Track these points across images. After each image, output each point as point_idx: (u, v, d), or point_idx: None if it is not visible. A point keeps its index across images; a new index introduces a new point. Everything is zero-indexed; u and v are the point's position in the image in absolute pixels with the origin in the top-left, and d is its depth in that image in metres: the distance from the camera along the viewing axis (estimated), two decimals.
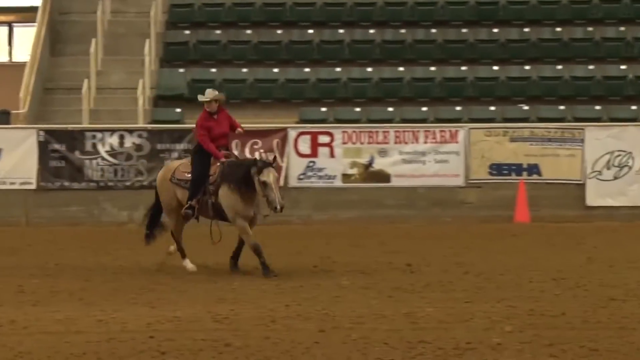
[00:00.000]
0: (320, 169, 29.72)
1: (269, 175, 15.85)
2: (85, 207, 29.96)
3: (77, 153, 30.06)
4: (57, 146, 29.83)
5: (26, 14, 40.43)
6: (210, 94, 16.43)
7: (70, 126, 30.85)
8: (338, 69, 34.24)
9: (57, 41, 34.51)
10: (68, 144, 29.86)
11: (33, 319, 15.10)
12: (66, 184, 29.89)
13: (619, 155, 29.28)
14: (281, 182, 28.76)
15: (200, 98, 15.67)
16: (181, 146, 30.14)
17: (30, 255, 23.93)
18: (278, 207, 15.76)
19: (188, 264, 17.40)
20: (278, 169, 18.45)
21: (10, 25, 45.54)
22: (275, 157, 17.59)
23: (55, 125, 31.34)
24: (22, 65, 35.15)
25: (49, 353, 12.53)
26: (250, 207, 16.34)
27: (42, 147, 29.72)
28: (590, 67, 33.56)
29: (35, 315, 15.58)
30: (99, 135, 30.14)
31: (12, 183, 29.79)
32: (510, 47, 34.71)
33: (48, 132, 30.09)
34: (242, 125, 20.33)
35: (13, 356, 12.38)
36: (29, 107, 32.14)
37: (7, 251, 24.52)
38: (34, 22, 34.97)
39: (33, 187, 29.60)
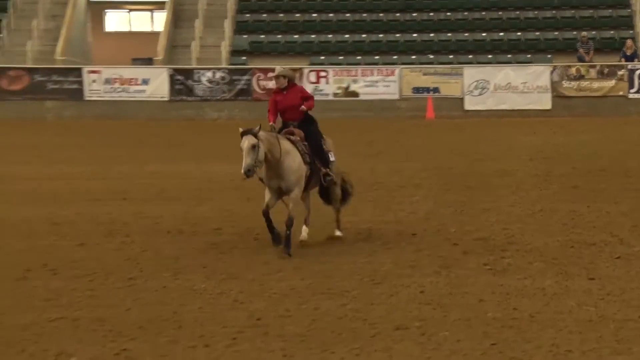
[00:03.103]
0: (321, 90, 35.59)
1: (243, 143, 11.57)
2: (194, 111, 35.56)
3: (189, 81, 35.87)
4: (179, 77, 35.95)
5: (159, 4, 43.10)
6: (277, 70, 12.61)
7: (185, 67, 36.77)
8: (330, 36, 39.09)
9: (177, 19, 39.60)
10: (185, 76, 35.88)
11: None
12: (183, 97, 35.87)
13: (481, 82, 35.52)
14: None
15: (270, 74, 12.94)
16: (245, 77, 36.03)
17: (172, 134, 30.77)
18: (242, 171, 11.55)
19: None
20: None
21: (151, 11, 47.27)
22: (260, 126, 11.74)
23: (178, 65, 37.01)
24: (157, 33, 40.45)
25: None
26: (271, 178, 12.03)
27: (171, 78, 35.93)
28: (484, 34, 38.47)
29: None
30: (201, 71, 35.93)
31: (155, 97, 36.08)
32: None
33: (174, 69, 36.24)
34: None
35: None
36: (163, 56, 37.82)
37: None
38: (164, 9, 40.69)
39: (167, 99, 35.83)
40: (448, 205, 15.85)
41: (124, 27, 48.86)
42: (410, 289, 10.48)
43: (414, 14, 39.51)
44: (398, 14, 39.51)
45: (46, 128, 32.25)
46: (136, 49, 42.20)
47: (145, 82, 36.11)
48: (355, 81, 36.53)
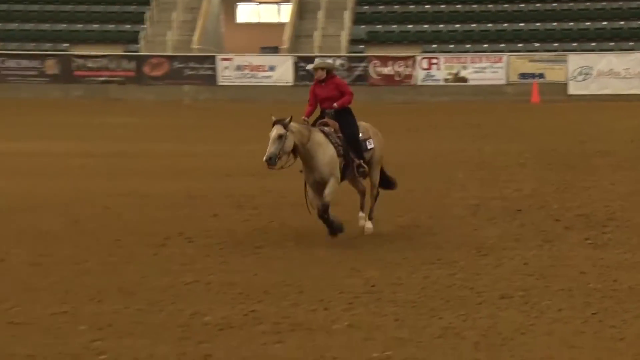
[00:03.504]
0: (432, 76, 36.60)
1: (271, 132, 10.64)
2: None
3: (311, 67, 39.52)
4: (302, 64, 36.12)
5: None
6: (316, 63, 11.55)
7: (308, 54, 36.53)
8: (441, 26, 39.10)
9: (302, 11, 40.37)
10: (307, 63, 32.98)
11: None
12: (306, 82, 30.64)
13: (585, 68, 35.48)
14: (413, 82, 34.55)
15: (308, 67, 11.54)
16: (362, 64, 36.61)
17: (296, 116, 32.17)
18: (263, 159, 10.56)
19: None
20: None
21: (278, 4, 48.11)
22: (291, 117, 10.76)
23: (301, 53, 37.51)
24: (283, 24, 41.11)
25: None
26: (308, 172, 10.99)
27: (295, 65, 36.80)
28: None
29: None
30: (323, 58, 38.49)
31: (280, 82, 36.81)
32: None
33: (298, 57, 37.03)
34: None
35: None
36: (288, 45, 38.55)
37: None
38: (290, 2, 41.47)
39: (291, 84, 36.47)
40: (551, 183, 15.60)
41: (253, 19, 49.56)
42: (514, 261, 10.34)
43: (521, 5, 39.29)
44: (506, 5, 39.40)
45: (183, 110, 32.75)
46: (264, 39, 42.91)
47: (271, 68, 36.98)
48: (464, 67, 36.62)
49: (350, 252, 10.89)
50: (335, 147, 11.00)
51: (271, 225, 12.50)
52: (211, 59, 37.17)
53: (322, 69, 11.32)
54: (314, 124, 11.28)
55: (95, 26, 39.66)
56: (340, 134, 11.11)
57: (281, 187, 15.30)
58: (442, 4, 39.77)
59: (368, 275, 9.76)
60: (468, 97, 34.87)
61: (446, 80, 36.17)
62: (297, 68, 36.42)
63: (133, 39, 38.93)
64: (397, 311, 8.48)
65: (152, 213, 13.34)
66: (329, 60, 11.31)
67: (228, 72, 36.88)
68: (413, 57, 36.38)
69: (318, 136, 10.96)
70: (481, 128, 25.21)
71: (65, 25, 39.69)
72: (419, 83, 36.30)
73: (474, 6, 39.43)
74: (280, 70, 36.86)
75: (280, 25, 41.71)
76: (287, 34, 38.87)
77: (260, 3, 49.88)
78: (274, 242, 11.38)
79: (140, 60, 37.47)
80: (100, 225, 12.46)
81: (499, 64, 36.06)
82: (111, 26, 39.81)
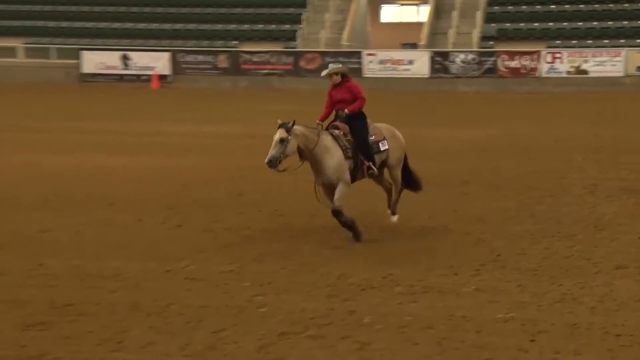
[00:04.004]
0: (555, 69, 35.68)
1: (275, 135, 9.58)
2: (449, 86, 35.04)
3: (446, 62, 36.35)
4: (437, 58, 36.27)
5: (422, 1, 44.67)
6: (330, 68, 10.43)
7: (443, 50, 37.24)
8: (565, 24, 37.67)
9: (438, 12, 40.11)
10: (442, 57, 36.51)
11: None
12: (441, 75, 36.18)
13: None
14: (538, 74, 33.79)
15: (323, 73, 10.12)
16: (491, 58, 35.66)
17: (431, 104, 31.01)
18: (265, 161, 9.47)
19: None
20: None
21: (418, 5, 48.26)
22: (294, 121, 9.75)
23: (437, 49, 37.48)
24: (421, 23, 40.66)
25: None
26: (316, 175, 9.96)
27: (431, 59, 36.43)
28: None
29: None
30: (456, 53, 36.45)
31: (418, 74, 36.45)
32: None
33: (434, 52, 36.82)
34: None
35: None
36: (425, 42, 38.18)
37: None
38: (428, 3, 41.23)
39: (427, 76, 36.48)
40: None
41: (395, 19, 49.29)
42: (629, 235, 10.02)
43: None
44: (626, 4, 37.96)
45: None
46: (405, 36, 43.01)
47: (410, 62, 36.76)
48: (585, 61, 35.56)
49: (478, 225, 10.72)
50: (343, 151, 9.94)
51: (405, 199, 12.44)
52: (358, 54, 37.13)
53: (337, 74, 10.35)
54: (327, 128, 10.22)
55: (260, 26, 40.26)
56: (349, 137, 10.08)
57: (414, 166, 15.35)
58: (566, 4, 38.91)
59: (494, 246, 9.63)
60: (588, 87, 34.09)
61: (568, 72, 35.30)
62: (432, 62, 36.26)
63: (291, 37, 39.31)
64: (519, 278, 8.33)
65: (306, 188, 13.48)
66: (341, 65, 10.25)
67: (372, 65, 36.81)
68: (538, 51, 35.62)
69: (326, 140, 9.88)
70: (600, 116, 24.54)
71: (234, 25, 40.52)
72: (543, 75, 35.42)
73: (596, 5, 38.41)
74: (418, 64, 36.62)
75: (419, 24, 41.42)
76: (424, 32, 38.62)
77: (402, 5, 49.64)
78: (409, 214, 11.25)
79: (297, 55, 37.78)
80: (261, 197, 12.56)
81: (618, 58, 34.99)
82: (273, 26, 40.42)
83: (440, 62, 36.08)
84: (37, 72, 38.30)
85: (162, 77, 37.72)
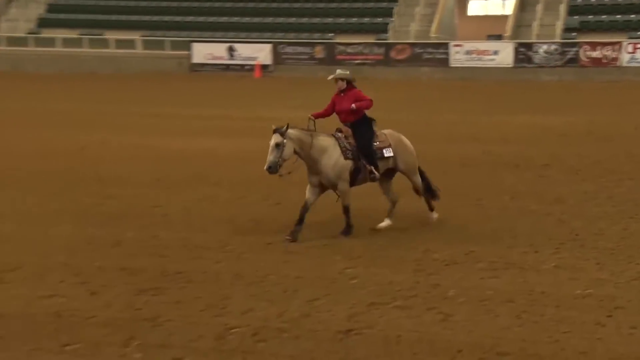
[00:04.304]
0: (636, 58, 33.99)
1: (270, 140, 8.96)
2: (532, 75, 34.04)
3: (529, 52, 34.61)
4: (521, 49, 34.33)
5: None
6: (336, 73, 9.62)
7: (527, 41, 35.18)
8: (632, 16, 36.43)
9: (523, 4, 38.25)
10: (526, 48, 34.54)
11: None
12: (524, 65, 34.32)
13: None
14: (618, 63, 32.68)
15: (329, 78, 9.24)
16: (574, 49, 33.90)
17: (514, 93, 30.44)
18: (264, 168, 8.92)
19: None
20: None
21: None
22: (288, 125, 9.08)
23: (521, 40, 35.56)
24: (507, 16, 38.92)
25: None
26: (311, 174, 9.30)
27: (515, 50, 34.28)
28: None
29: None
30: (539, 44, 35.05)
31: (502, 64, 34.95)
32: None
33: (518, 43, 35.38)
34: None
35: None
36: (510, 33, 36.67)
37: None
38: None
39: (511, 66, 35.02)
40: None
41: (481, 12, 48.09)
42: None
43: None
44: None
45: (421, 87, 32.45)
46: (490, 28, 41.42)
47: (495, 53, 35.66)
48: None
49: (558, 206, 10.49)
50: (343, 151, 9.27)
51: (490, 181, 12.16)
52: (445, 45, 36.45)
53: (342, 79, 9.49)
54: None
55: (354, 19, 40.04)
56: (351, 140, 9.39)
57: (499, 151, 15.01)
58: None
59: (573, 226, 9.43)
60: None
61: None
62: (516, 52, 35.14)
63: (383, 29, 38.97)
64: (598, 256, 8.15)
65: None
66: (348, 72, 9.39)
67: (458, 56, 35.93)
68: (619, 42, 34.18)
69: (322, 140, 9.26)
70: None
71: (331, 19, 40.40)
72: (624, 65, 34.03)
73: None
74: (502, 55, 35.51)
75: (505, 17, 40.17)
76: (509, 24, 37.36)
77: None
78: (492, 195, 11.11)
79: (388, 46, 37.37)
80: None
81: None
82: (366, 19, 40.23)
83: (524, 52, 34.78)
84: (153, 62, 39.17)
85: (264, 67, 37.94)
